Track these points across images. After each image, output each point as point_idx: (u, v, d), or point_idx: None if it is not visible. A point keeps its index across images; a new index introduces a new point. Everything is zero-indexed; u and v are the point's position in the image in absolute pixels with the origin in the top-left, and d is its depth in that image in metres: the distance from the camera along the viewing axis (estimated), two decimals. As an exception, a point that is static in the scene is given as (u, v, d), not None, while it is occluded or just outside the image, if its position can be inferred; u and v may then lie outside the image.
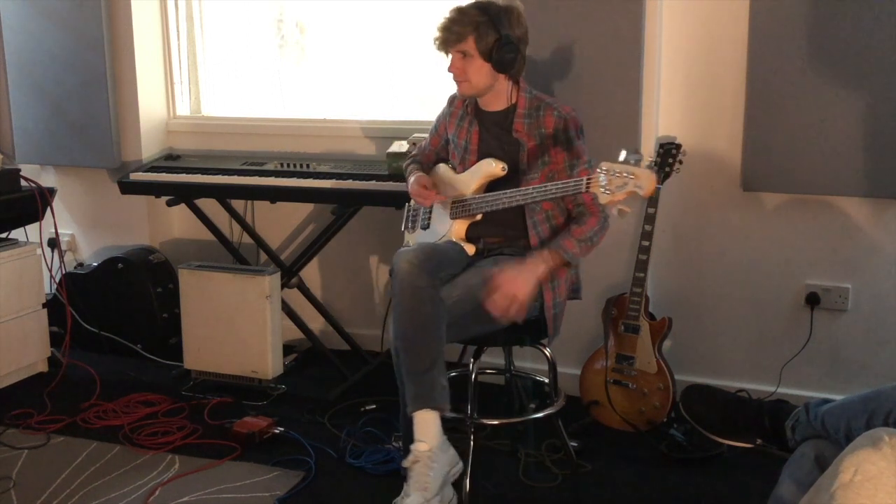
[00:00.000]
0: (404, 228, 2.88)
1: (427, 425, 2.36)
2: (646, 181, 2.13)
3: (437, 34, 2.55)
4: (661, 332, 3.06)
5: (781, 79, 2.99)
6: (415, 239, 2.77)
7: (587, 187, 2.25)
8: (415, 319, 2.36)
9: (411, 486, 2.35)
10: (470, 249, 2.62)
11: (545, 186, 2.41)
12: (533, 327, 2.56)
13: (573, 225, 2.51)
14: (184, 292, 3.52)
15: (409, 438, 2.56)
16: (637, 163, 2.15)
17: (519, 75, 2.58)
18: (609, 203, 2.17)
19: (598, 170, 2.19)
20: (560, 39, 3.15)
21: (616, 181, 2.15)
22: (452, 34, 2.50)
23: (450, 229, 2.64)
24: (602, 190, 2.17)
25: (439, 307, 2.37)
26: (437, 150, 2.85)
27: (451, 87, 2.67)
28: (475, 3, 2.53)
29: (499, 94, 2.59)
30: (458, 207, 2.61)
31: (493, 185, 2.59)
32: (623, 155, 2.18)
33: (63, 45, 3.93)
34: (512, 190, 2.49)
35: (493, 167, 2.57)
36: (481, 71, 2.52)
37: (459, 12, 2.51)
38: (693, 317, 3.29)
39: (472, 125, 2.66)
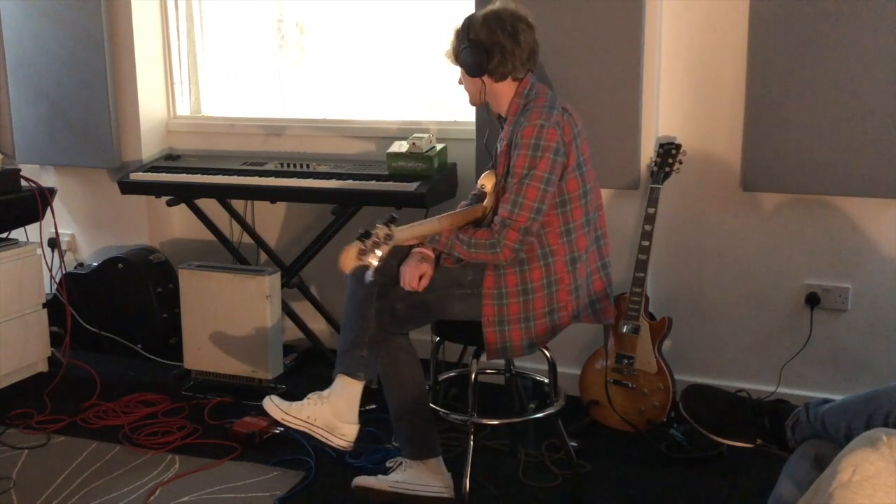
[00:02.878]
0: None
1: (338, 387, 2.51)
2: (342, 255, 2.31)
3: None
4: (661, 332, 3.06)
5: (781, 79, 2.99)
6: None
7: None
8: (351, 298, 2.57)
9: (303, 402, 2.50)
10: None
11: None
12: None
13: (472, 226, 2.52)
14: (184, 292, 3.52)
15: (400, 439, 2.66)
16: (375, 243, 2.30)
17: (502, 78, 2.50)
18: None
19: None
20: (560, 39, 3.15)
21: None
22: (448, 53, 2.59)
23: None
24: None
25: (371, 291, 2.51)
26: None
27: (451, 88, 2.69)
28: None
29: (498, 99, 2.56)
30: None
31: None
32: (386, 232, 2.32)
33: (63, 45, 3.93)
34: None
35: (483, 182, 2.59)
36: (465, 79, 2.57)
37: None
38: (693, 317, 3.29)
39: (498, 130, 2.66)
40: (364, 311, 2.52)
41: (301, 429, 2.47)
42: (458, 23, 2.55)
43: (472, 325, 2.50)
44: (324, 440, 2.48)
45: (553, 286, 2.46)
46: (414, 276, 2.48)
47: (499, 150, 2.60)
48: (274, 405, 2.48)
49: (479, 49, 2.47)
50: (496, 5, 2.52)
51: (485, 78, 2.51)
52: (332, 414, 2.47)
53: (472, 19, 2.51)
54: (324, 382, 3.48)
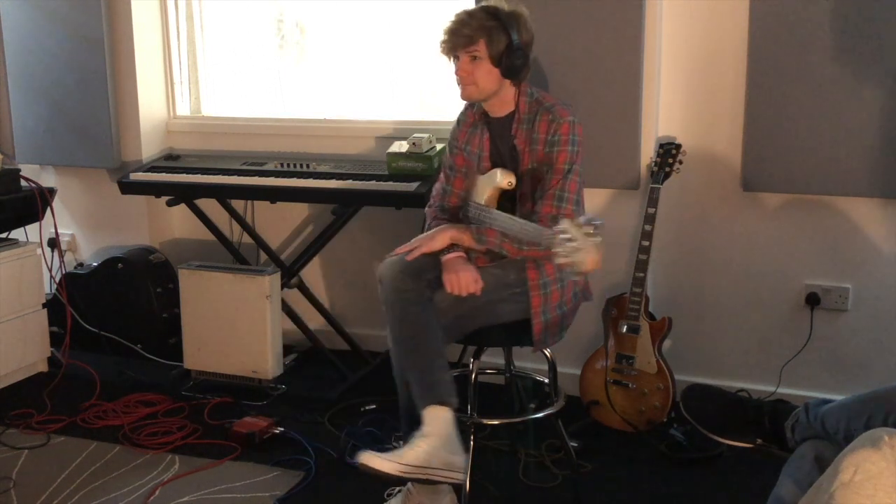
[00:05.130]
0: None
1: (434, 420, 2.32)
2: (585, 257, 1.99)
3: (444, 37, 2.49)
4: (661, 332, 3.06)
5: (781, 79, 2.99)
6: None
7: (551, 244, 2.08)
8: (406, 322, 2.39)
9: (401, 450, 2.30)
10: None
11: (524, 225, 2.33)
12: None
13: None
14: (184, 292, 3.52)
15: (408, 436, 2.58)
16: (593, 228, 2.02)
17: (523, 81, 2.54)
18: (562, 265, 2.05)
19: (559, 229, 2.05)
20: (560, 39, 3.15)
21: (569, 246, 2.02)
22: (463, 37, 2.45)
23: None
24: (560, 250, 2.03)
25: (427, 307, 2.39)
26: (462, 169, 2.69)
27: (451, 89, 2.65)
28: (483, 7, 2.50)
29: (503, 100, 2.54)
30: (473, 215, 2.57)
31: (504, 195, 2.55)
32: (584, 218, 2.06)
33: (63, 45, 3.93)
34: (502, 215, 2.43)
35: (500, 181, 2.53)
36: (489, 75, 2.47)
37: (469, 15, 2.47)
38: (693, 317, 3.29)
39: (483, 132, 2.62)
40: (429, 331, 2.37)
41: (422, 477, 2.26)
42: (496, 15, 2.45)
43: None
44: (445, 480, 2.30)
45: None
46: (469, 280, 2.38)
47: (495, 150, 2.58)
48: (385, 461, 2.24)
49: (523, 52, 2.46)
50: (514, 5, 2.49)
51: (514, 80, 2.50)
52: (446, 450, 2.29)
53: (511, 16, 2.45)
54: (323, 382, 3.51)
